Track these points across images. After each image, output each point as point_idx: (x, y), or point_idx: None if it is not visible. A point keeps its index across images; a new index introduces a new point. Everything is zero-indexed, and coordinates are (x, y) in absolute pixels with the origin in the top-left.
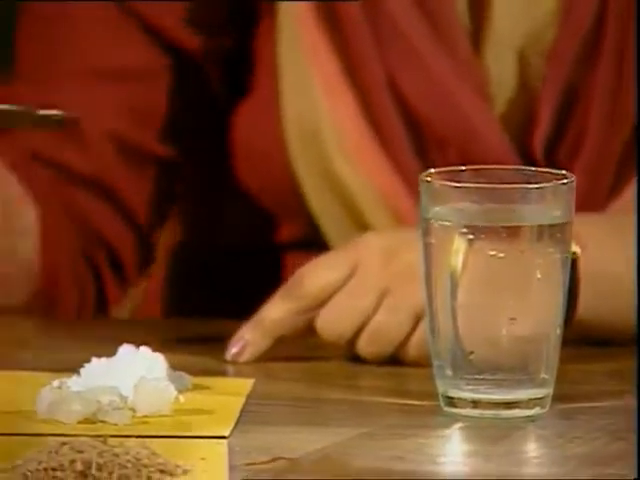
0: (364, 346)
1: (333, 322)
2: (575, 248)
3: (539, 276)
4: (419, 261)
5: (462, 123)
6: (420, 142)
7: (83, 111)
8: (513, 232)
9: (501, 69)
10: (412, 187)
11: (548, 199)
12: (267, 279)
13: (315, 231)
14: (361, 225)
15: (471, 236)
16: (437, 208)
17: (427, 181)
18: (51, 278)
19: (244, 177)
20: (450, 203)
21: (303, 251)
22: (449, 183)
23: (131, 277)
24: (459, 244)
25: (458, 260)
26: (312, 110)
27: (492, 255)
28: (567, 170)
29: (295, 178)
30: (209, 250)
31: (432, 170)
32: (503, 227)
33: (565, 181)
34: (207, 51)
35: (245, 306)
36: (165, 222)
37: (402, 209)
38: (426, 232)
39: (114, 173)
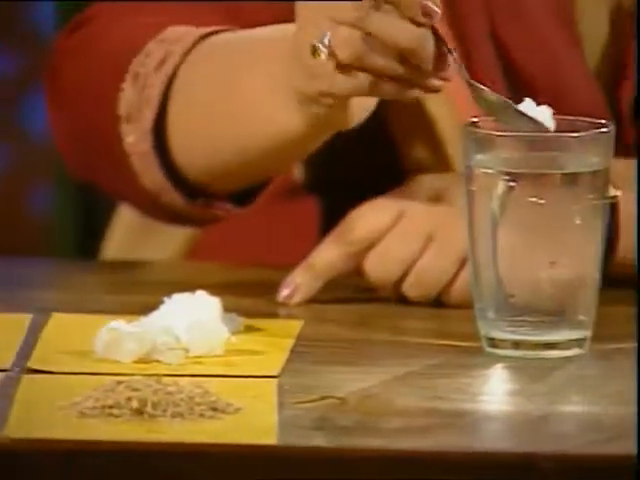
0: (410, 288)
1: (381, 265)
2: (615, 191)
3: (578, 221)
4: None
5: (556, 72)
6: (515, 89)
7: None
8: (553, 179)
9: (594, 23)
10: None
11: (587, 147)
12: None
13: None
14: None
15: (512, 183)
16: (479, 156)
17: (470, 129)
18: None
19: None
20: (492, 151)
21: None
22: (491, 131)
23: None
24: (500, 191)
25: (499, 206)
26: None
27: (532, 201)
28: None
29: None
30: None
31: (475, 119)
32: (543, 174)
33: (603, 130)
34: None
35: None
36: None
37: None
38: (469, 179)
39: None
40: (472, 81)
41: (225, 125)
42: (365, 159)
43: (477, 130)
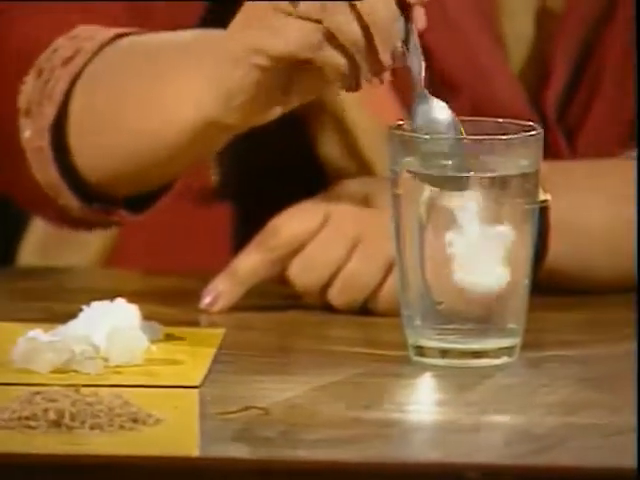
0: (335, 295)
1: (305, 272)
2: (546, 195)
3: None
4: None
5: (478, 73)
6: (438, 91)
7: None
8: (481, 183)
9: (518, 25)
10: None
11: (516, 150)
12: None
13: None
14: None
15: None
16: (406, 159)
17: (396, 132)
18: None
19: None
20: (419, 154)
21: None
22: (417, 134)
23: None
24: (427, 195)
25: (426, 211)
26: None
27: (460, 206)
28: (578, 129)
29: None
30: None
31: (401, 121)
32: (471, 178)
33: (533, 132)
34: None
35: None
36: None
37: None
38: (394, 183)
39: None
40: (424, 92)
41: (122, 128)
42: (279, 165)
43: (403, 133)
